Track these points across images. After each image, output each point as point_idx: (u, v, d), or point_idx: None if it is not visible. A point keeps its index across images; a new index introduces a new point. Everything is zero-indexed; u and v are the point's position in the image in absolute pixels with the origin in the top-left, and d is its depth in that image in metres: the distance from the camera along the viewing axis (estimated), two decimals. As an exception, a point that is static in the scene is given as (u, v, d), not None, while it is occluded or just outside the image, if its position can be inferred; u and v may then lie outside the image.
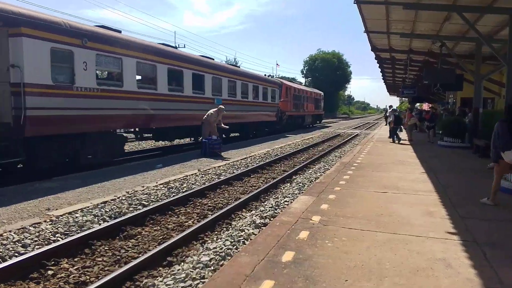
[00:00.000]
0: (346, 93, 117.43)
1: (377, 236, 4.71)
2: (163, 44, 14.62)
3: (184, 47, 43.81)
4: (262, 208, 6.51)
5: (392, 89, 48.60)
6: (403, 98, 62.64)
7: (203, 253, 4.62)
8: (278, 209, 6.45)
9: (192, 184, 8.28)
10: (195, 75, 15.49)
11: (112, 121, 10.96)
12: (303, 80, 78.84)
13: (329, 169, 10.67)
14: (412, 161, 11.62)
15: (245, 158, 12.74)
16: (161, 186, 7.89)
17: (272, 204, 6.72)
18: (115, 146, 11.41)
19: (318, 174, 10.22)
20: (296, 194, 7.61)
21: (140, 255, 4.49)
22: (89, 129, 10.14)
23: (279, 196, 7.53)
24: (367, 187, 7.52)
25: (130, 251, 4.64)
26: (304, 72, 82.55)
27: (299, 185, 8.56)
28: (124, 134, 12.98)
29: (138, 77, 12.45)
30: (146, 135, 15.38)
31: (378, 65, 27.18)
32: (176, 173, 9.59)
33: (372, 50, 20.51)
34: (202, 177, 9.09)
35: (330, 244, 4.44)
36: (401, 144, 17.46)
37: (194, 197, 7.24)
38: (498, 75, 19.77)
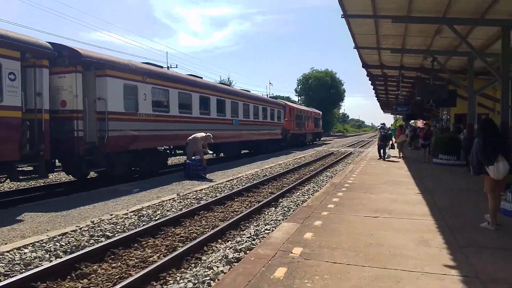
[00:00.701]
0: (341, 111, 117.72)
1: (364, 272, 4.08)
2: (192, 75, 17.76)
3: (176, 67, 43.64)
4: (239, 239, 5.84)
5: (386, 107, 48.41)
6: (397, 116, 62.63)
7: (159, 298, 3.97)
8: (256, 239, 5.80)
9: (168, 210, 7.62)
10: (219, 100, 18.63)
11: (161, 139, 13.73)
12: (296, 99, 78.90)
13: (318, 190, 10.07)
14: (406, 180, 11.04)
15: (231, 179, 12.10)
16: (132, 214, 7.21)
17: (251, 233, 6.06)
18: (161, 160, 14.14)
19: (306, 196, 9.60)
20: (279, 220, 6.97)
21: (88, 301, 3.83)
22: (146, 146, 13.00)
23: (260, 223, 6.88)
24: (357, 211, 6.91)
25: (76, 296, 3.98)
26: (298, 90, 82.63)
27: (284, 210, 7.92)
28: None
29: (179, 104, 15.09)
30: (178, 151, 17.72)
31: (370, 82, 26.92)
32: (153, 198, 8.92)
33: (363, 66, 20.18)
34: (180, 202, 8.43)
35: (310, 284, 3.80)
36: (393, 161, 16.96)
37: (167, 226, 6.58)
38: (491, 90, 19.40)
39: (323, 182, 12.41)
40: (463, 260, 4.44)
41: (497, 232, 5.62)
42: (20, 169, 8.83)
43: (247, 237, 5.86)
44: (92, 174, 12.64)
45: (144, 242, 5.75)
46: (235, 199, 9.22)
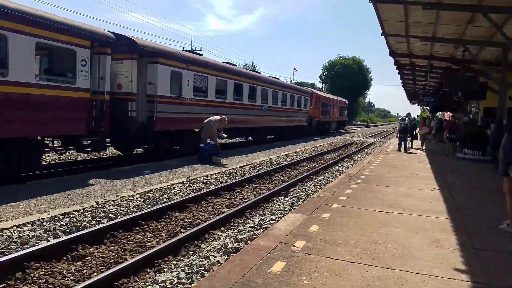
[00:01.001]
0: (366, 100, 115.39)
1: (367, 272, 3.83)
2: (227, 62, 18.68)
3: (201, 49, 43.43)
4: (242, 228, 5.67)
5: (412, 97, 47.02)
6: (424, 107, 60.75)
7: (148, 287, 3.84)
8: (260, 230, 5.61)
9: (175, 194, 7.52)
10: (250, 87, 19.82)
11: (199, 121, 14.04)
12: (321, 86, 77.70)
13: (332, 181, 9.78)
14: (426, 175, 10.59)
15: (244, 165, 11.93)
16: (138, 196, 7.13)
17: (255, 223, 5.87)
18: (196, 141, 14.18)
19: (319, 187, 9.32)
20: (287, 211, 6.75)
21: (77, 284, 3.73)
22: (187, 127, 14.65)
23: (267, 212, 6.68)
24: (369, 205, 6.61)
25: (67, 279, 3.89)
26: (323, 77, 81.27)
27: (294, 200, 7.69)
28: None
29: (216, 90, 16.29)
30: None
31: (397, 71, 26.05)
32: (162, 180, 8.85)
33: (390, 55, 19.49)
34: (188, 186, 8.31)
35: (307, 281, 3.59)
36: (414, 153, 16.43)
37: (172, 210, 6.47)
38: (524, 83, 18.47)
39: (338, 172, 12.08)
40: (476, 265, 4.13)
41: (517, 236, 5.25)
42: (85, 142, 10.17)
43: (250, 227, 5.68)
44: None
45: (146, 226, 5.66)
46: (246, 186, 9.05)
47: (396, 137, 18.69)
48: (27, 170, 8.95)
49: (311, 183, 10.00)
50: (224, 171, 10.58)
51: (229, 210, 6.57)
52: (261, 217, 6.26)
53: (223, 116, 13.47)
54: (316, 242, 4.61)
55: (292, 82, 50.84)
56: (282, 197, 8.11)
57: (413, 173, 10.74)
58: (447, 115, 45.77)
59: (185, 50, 15.38)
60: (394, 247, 4.56)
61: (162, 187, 7.96)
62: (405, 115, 20.73)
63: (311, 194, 8.11)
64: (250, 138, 22.39)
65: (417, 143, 19.70)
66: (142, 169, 10.24)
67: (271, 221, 5.98)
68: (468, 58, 16.09)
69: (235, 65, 19.84)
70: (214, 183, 8.92)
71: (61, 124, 9.06)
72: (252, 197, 7.85)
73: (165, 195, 7.34)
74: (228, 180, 9.28)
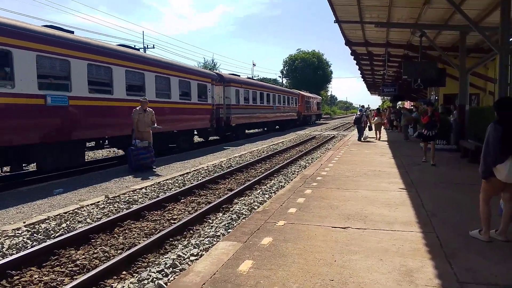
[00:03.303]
0: (328, 93, 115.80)
1: None
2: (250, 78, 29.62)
3: (153, 47, 41.31)
4: (145, 274, 4.13)
5: (372, 88, 46.93)
6: (385, 97, 61.02)
7: None
8: (171, 275, 4.16)
9: (79, 222, 5.93)
10: (269, 94, 30.41)
11: (251, 119, 25.89)
12: (282, 81, 76.96)
13: (284, 186, 8.50)
14: (389, 171, 9.54)
15: (187, 172, 10.40)
16: (26, 229, 5.45)
17: (167, 264, 4.40)
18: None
19: (267, 196, 8.01)
20: (219, 236, 5.36)
21: None
22: (244, 122, 24.66)
23: (192, 241, 5.19)
24: (323, 219, 5.36)
25: None
26: (284, 72, 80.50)
27: (232, 218, 6.26)
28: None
29: (258, 99, 27.29)
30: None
31: (355, 61, 25.27)
32: (72, 202, 7.18)
33: (346, 44, 18.46)
34: (103, 208, 6.72)
35: None
36: (375, 146, 15.55)
37: (67, 246, 4.89)
38: (482, 68, 18.03)
39: (294, 174, 10.82)
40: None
41: (506, 250, 4.12)
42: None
43: (158, 271, 4.19)
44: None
45: (17, 278, 4.08)
46: (181, 200, 7.55)
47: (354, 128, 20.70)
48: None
49: (259, 191, 8.59)
50: (160, 182, 8.99)
51: (144, 242, 5.05)
52: (181, 251, 4.80)
53: (143, 98, 11.42)
54: (244, 291, 3.27)
55: (252, 77, 52.86)
56: (220, 214, 6.68)
57: (375, 170, 9.66)
58: (407, 104, 46.00)
59: (122, 45, 13.86)
60: (352, 289, 3.29)
61: (66, 212, 6.32)
62: (360, 107, 21.63)
63: (255, 208, 6.76)
64: (265, 128, 32.65)
65: (373, 133, 20.46)
66: (55, 186, 8.41)
67: (192, 257, 4.56)
68: (426, 44, 15.34)
69: (265, 82, 36.10)
70: (140, 200, 7.36)
71: (199, 122, 18.25)
72: (183, 217, 6.38)
73: (64, 225, 5.73)
74: (160, 195, 7.76)
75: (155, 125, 11.25)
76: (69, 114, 10.21)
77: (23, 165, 10.19)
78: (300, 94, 42.77)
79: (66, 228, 5.62)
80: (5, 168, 10.35)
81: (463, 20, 11.75)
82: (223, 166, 11.83)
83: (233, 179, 10.05)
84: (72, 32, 11.02)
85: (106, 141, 13.47)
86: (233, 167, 11.45)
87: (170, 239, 5.33)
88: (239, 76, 26.19)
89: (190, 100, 17.05)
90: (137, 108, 11.04)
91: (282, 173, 11.18)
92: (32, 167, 11.56)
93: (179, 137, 16.53)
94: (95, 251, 4.86)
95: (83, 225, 5.78)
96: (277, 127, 34.23)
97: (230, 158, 13.80)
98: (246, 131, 26.78)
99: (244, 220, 5.84)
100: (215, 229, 5.68)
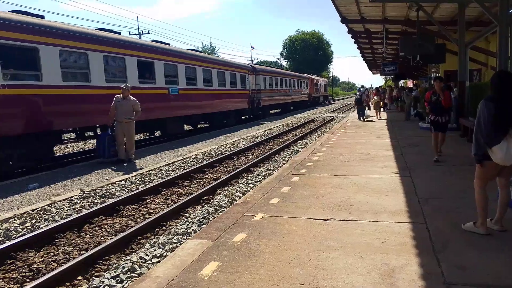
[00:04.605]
0: (330, 74, 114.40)
1: None
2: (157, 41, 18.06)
3: (149, 33, 40.58)
4: (97, 282, 3.73)
5: (373, 67, 45.99)
6: (388, 76, 59.93)
7: None
8: (125, 282, 3.74)
9: (46, 220, 5.56)
10: (288, 80, 36.20)
11: (275, 101, 32.13)
12: (283, 63, 75.99)
13: (271, 174, 8.09)
14: (384, 153, 9.10)
15: (173, 162, 9.96)
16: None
17: (125, 268, 3.98)
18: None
19: (252, 185, 7.60)
20: (190, 233, 4.96)
21: None
22: (271, 103, 31.05)
23: (160, 240, 4.76)
24: (305, 209, 4.96)
25: None
26: (284, 54, 79.36)
27: (210, 211, 5.87)
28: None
29: (278, 84, 32.69)
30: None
31: (353, 40, 24.53)
32: (45, 197, 6.78)
33: (342, 21, 17.73)
34: (76, 203, 6.33)
35: None
36: (374, 125, 15.16)
37: (25, 248, 4.51)
38: (483, 42, 17.36)
39: (285, 159, 10.39)
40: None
41: (502, 244, 3.71)
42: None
43: (113, 276, 3.74)
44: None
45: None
46: (162, 192, 7.15)
47: (355, 109, 20.32)
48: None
49: (244, 180, 8.12)
50: (142, 173, 8.59)
51: (110, 240, 4.68)
52: (147, 250, 4.43)
53: (134, 98, 10.33)
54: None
55: (252, 61, 54.15)
56: (199, 207, 6.27)
57: (370, 153, 9.23)
58: (409, 83, 45.13)
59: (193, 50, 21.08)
60: (323, 296, 2.90)
61: (35, 209, 5.92)
62: (359, 87, 22.18)
63: (236, 199, 6.36)
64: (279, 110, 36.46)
65: (373, 112, 20.78)
66: (31, 181, 7.99)
67: (155, 259, 4.18)
68: (424, 18, 14.68)
69: (288, 70, 45.00)
70: (118, 193, 6.96)
71: (241, 103, 23.71)
72: (161, 210, 6.01)
73: (28, 224, 5.34)
74: (141, 187, 7.36)
75: (137, 115, 10.19)
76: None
77: None
78: (309, 77, 47.61)
79: (30, 227, 5.25)
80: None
81: (461, -9, 11.16)
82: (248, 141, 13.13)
83: (235, 161, 10.28)
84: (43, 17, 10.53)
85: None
86: (256, 140, 12.94)
87: (139, 237, 4.95)
88: (266, 66, 37.75)
89: (236, 87, 23.03)
90: (117, 95, 10.16)
91: (272, 159, 10.76)
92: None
93: (229, 115, 22.27)
94: (56, 252, 4.50)
95: (50, 223, 5.40)
96: (292, 108, 38.54)
97: (248, 136, 13.39)
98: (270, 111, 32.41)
99: (221, 213, 5.45)
100: (188, 224, 5.28)
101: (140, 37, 37.80)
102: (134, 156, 10.56)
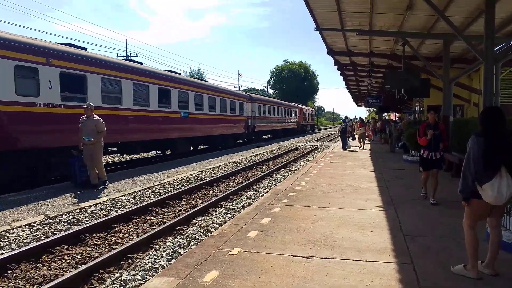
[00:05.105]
0: (316, 104, 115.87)
1: None
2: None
3: (136, 55, 40.42)
4: None
5: (358, 99, 46.68)
6: (372, 109, 60.86)
7: None
8: None
9: (1, 248, 5.04)
10: (281, 109, 40.05)
11: (269, 127, 35.73)
12: (269, 91, 76.67)
13: (251, 203, 7.74)
14: (368, 185, 8.87)
15: (148, 188, 9.52)
16: None
17: None
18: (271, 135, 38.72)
19: (230, 215, 7.22)
20: (157, 269, 4.54)
21: None
22: (265, 129, 34.28)
23: (124, 275, 4.31)
24: (285, 245, 4.61)
25: None
26: (271, 82, 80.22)
27: (180, 244, 5.44)
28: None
29: (271, 112, 35.83)
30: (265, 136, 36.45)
31: (339, 72, 24.79)
32: (4, 222, 6.24)
33: (328, 53, 17.89)
34: (37, 229, 5.81)
35: None
36: (358, 156, 14.96)
37: None
38: (466, 79, 17.69)
39: (266, 188, 10.06)
40: None
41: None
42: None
43: None
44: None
45: None
46: (133, 220, 6.67)
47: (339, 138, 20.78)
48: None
49: (222, 209, 7.73)
50: (114, 198, 8.13)
51: (69, 273, 4.20)
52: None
53: (99, 118, 9.74)
54: None
55: (239, 87, 56.64)
56: (171, 238, 5.85)
57: (354, 184, 8.99)
58: (393, 116, 45.82)
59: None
60: None
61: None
62: (344, 118, 23.70)
63: (212, 231, 5.96)
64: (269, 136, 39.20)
65: (357, 143, 21.46)
66: None
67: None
68: (410, 53, 14.90)
69: (290, 102, 48.36)
70: (85, 220, 6.50)
71: (239, 128, 25.87)
72: (129, 240, 5.57)
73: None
74: (111, 213, 6.91)
75: (100, 135, 9.44)
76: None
77: None
78: (299, 107, 51.40)
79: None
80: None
81: (446, 28, 11.31)
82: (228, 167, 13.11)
83: (222, 185, 10.11)
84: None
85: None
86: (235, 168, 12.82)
87: (101, 271, 4.49)
88: (260, 95, 42.12)
89: (235, 113, 25.27)
90: (83, 116, 9.61)
91: (254, 187, 10.42)
92: None
93: (227, 138, 24.29)
94: (6, 287, 4.02)
95: (4, 251, 4.91)
96: (282, 134, 41.05)
97: (229, 162, 13.01)
98: (263, 136, 35.22)
99: (194, 246, 5.06)
100: (156, 258, 4.85)
101: (127, 59, 37.63)
102: (106, 181, 9.88)
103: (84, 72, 11.48)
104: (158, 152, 18.41)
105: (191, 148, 20.76)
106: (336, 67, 22.05)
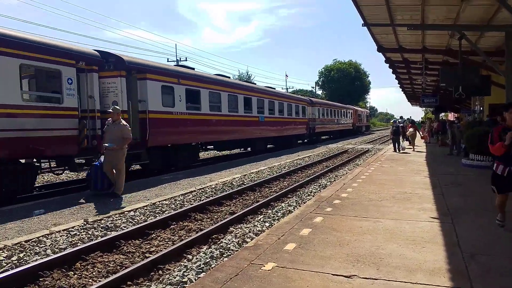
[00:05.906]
0: (368, 104, 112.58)
1: None
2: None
3: (186, 60, 41.37)
4: None
5: (413, 98, 44.45)
6: (428, 109, 57.87)
7: None
8: None
9: (37, 253, 5.04)
10: (338, 111, 41.94)
11: (325, 128, 38.23)
12: (317, 92, 75.49)
13: (292, 211, 7.34)
14: (422, 193, 8.14)
15: (190, 192, 9.40)
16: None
17: None
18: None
19: (268, 223, 6.86)
20: (185, 283, 4.25)
21: None
22: (324, 130, 38.11)
23: None
24: (325, 261, 4.20)
25: None
26: (320, 83, 78.90)
27: (213, 256, 5.16)
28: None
29: (329, 114, 38.59)
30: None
31: (391, 70, 23.66)
32: (44, 226, 6.35)
33: (378, 50, 17.04)
34: (74, 235, 5.79)
35: None
36: (412, 160, 14.04)
37: None
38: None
39: (309, 195, 9.59)
40: None
41: None
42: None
43: None
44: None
45: None
46: (171, 226, 6.57)
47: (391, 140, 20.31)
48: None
49: (261, 216, 7.35)
50: (155, 203, 8.06)
51: (98, 283, 4.09)
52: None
53: (125, 123, 9.12)
54: None
55: (287, 89, 58.54)
56: (205, 247, 5.59)
57: (406, 192, 8.30)
58: (450, 116, 43.19)
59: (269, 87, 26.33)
60: None
61: (28, 240, 5.43)
62: (398, 118, 22.58)
63: (247, 241, 5.65)
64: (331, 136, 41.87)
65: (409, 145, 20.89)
66: (39, 206, 7.59)
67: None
68: (467, 48, 13.76)
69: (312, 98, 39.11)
70: (123, 225, 6.46)
71: (302, 129, 29.54)
72: (163, 249, 5.39)
73: (15, 257, 4.84)
74: (150, 219, 6.83)
75: (125, 142, 8.78)
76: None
77: None
78: (354, 109, 52.94)
79: (16, 262, 4.77)
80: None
81: (509, 18, 10.27)
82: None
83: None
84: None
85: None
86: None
87: (129, 282, 4.34)
88: (312, 97, 40.72)
89: (299, 116, 28.38)
90: (109, 119, 8.97)
91: (297, 193, 10.00)
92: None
93: (291, 139, 27.45)
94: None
95: (40, 257, 4.91)
96: (338, 135, 42.69)
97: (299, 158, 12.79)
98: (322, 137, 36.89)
99: (226, 259, 4.77)
100: (186, 271, 4.61)
101: (178, 65, 38.66)
102: (119, 193, 8.92)
103: (199, 88, 15.44)
104: (242, 149, 22.94)
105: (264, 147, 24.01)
106: (388, 64, 21.08)
